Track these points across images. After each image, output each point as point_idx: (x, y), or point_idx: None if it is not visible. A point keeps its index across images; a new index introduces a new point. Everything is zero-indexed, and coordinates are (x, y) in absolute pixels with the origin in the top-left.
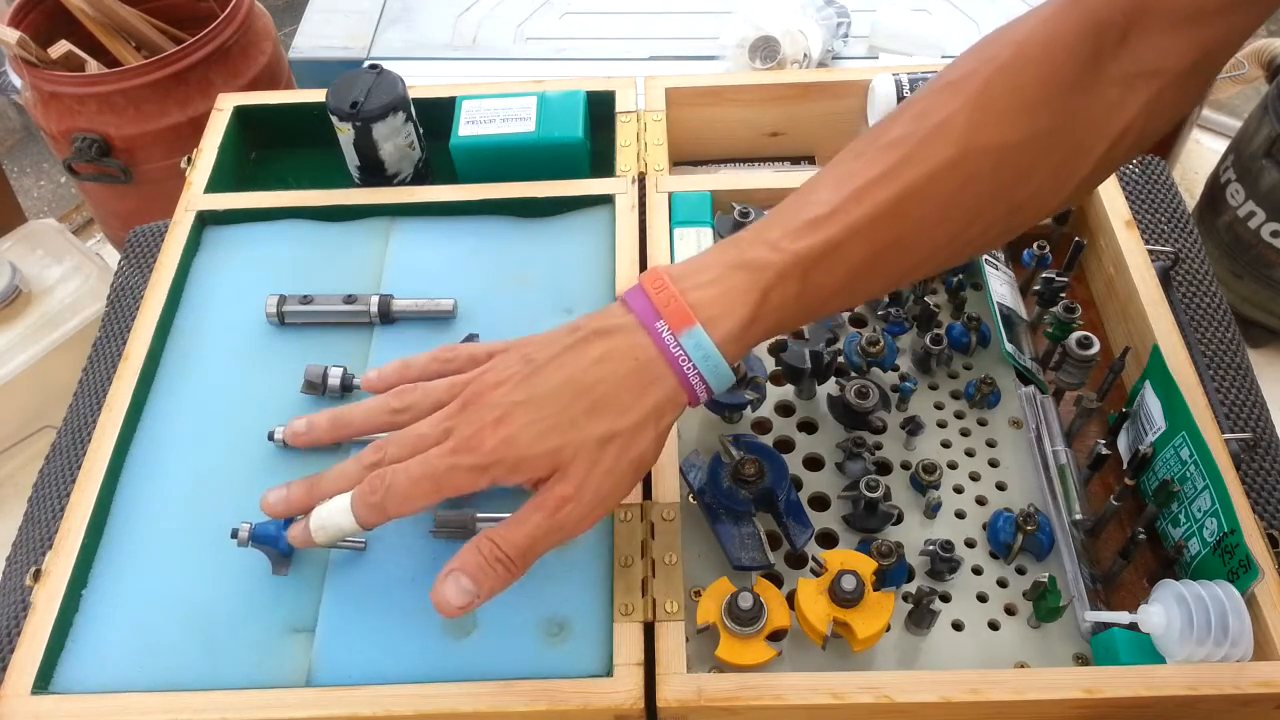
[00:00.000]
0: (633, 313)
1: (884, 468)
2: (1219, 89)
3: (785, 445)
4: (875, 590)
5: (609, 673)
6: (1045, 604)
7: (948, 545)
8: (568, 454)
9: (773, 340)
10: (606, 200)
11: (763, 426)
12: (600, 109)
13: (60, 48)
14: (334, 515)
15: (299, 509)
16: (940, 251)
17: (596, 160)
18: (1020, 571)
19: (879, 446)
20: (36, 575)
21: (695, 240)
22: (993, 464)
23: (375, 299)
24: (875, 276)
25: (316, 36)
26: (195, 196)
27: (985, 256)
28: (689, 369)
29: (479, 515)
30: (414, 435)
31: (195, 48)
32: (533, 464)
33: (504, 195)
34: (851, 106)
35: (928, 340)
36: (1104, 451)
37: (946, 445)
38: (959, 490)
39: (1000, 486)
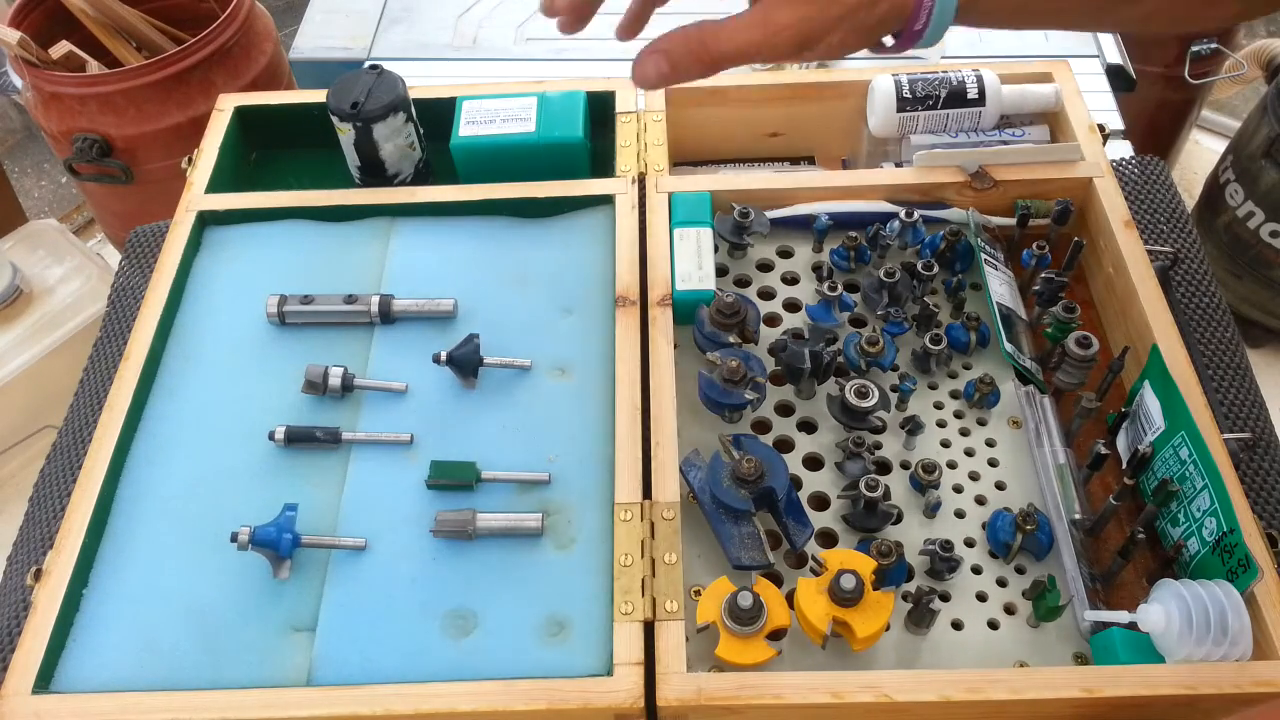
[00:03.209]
0: None
1: (883, 467)
2: (1218, 89)
3: (785, 445)
4: (875, 590)
5: (609, 672)
6: (1045, 603)
7: (947, 545)
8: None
9: (773, 340)
10: (606, 200)
11: (763, 426)
12: (600, 109)
13: (61, 48)
14: None
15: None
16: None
17: (596, 160)
18: (1020, 571)
19: (879, 446)
20: (37, 575)
21: (695, 240)
22: (992, 464)
23: (376, 299)
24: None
25: (317, 37)
26: (196, 197)
27: (985, 257)
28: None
29: (479, 515)
30: None
31: (196, 48)
32: None
33: (504, 195)
34: (851, 106)
35: (927, 340)
36: (1103, 451)
37: (946, 445)
38: (958, 490)
39: (999, 486)
